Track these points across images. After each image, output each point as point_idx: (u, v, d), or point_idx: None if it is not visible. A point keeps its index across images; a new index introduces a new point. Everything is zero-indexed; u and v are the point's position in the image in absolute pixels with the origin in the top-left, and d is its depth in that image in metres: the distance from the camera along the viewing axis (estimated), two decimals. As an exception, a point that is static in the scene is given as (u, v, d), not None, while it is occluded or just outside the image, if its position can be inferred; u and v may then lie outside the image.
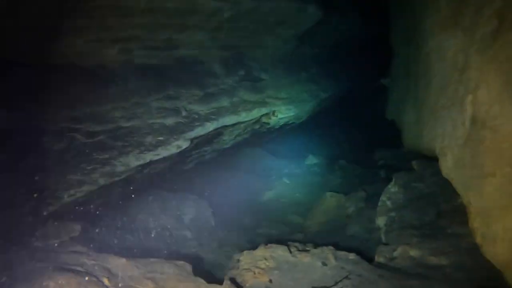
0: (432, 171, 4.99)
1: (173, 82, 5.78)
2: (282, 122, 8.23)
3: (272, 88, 7.76)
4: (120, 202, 5.15)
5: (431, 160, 5.31)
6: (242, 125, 7.23)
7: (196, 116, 5.85)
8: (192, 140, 5.60)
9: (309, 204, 7.53)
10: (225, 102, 6.56)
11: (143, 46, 5.22)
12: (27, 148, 3.73)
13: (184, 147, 5.31)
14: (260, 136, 9.27)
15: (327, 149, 10.13)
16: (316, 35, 8.38)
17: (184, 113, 5.67)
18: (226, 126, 6.56)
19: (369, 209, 6.18)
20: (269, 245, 4.05)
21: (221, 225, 6.70)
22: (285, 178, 8.88)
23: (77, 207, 4.05)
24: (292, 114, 7.86)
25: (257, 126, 8.12)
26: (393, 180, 5.29)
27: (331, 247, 4.10)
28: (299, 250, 4.06)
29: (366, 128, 8.91)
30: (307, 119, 9.26)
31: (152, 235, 5.21)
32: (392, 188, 5.19)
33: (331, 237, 5.94)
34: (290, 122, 8.64)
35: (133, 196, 5.43)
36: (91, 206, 4.43)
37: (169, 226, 5.62)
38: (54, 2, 3.64)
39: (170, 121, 5.40)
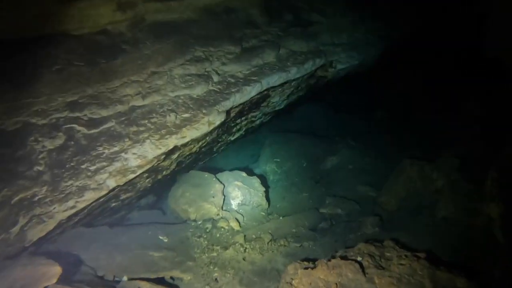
0: None
1: (200, 40, 4.59)
2: (343, 73, 6.71)
3: (328, 32, 6.21)
4: (147, 196, 4.29)
5: None
6: (293, 83, 5.91)
7: (233, 80, 4.67)
8: (228, 111, 4.48)
9: (382, 171, 6.17)
10: (269, 57, 5.25)
11: (154, -3, 4.04)
12: (8, 155, 2.89)
13: (217, 122, 4.21)
14: (319, 90, 7.85)
15: (401, 100, 8.39)
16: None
17: (216, 78, 4.52)
18: (273, 87, 5.30)
19: (467, 182, 4.70)
20: (332, 261, 2.91)
21: (276, 206, 5.69)
22: (350, 139, 7.50)
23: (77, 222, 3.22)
24: (355, 62, 6.29)
25: (312, 81, 6.73)
26: (509, 146, 3.74)
27: (424, 262, 2.84)
28: (377, 267, 2.87)
29: (455, 71, 6.99)
30: (375, 65, 7.57)
31: (190, 232, 4.34)
32: (508, 158, 3.66)
33: (416, 221, 4.63)
34: (354, 71, 7.07)
35: (164, 184, 4.55)
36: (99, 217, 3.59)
37: (211, 217, 4.71)
38: None
39: (198, 91, 4.29)
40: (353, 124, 8.27)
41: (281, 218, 5.09)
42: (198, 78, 4.35)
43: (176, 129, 3.84)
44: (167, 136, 3.75)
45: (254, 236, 4.46)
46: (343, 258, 2.98)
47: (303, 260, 3.36)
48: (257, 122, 7.02)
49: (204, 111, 4.12)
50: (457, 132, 6.48)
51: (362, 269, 2.84)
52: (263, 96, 5.57)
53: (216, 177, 5.14)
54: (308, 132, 8.18)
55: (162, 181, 4.93)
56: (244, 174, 5.59)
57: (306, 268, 2.89)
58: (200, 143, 4.80)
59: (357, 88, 8.76)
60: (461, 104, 6.48)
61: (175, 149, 3.93)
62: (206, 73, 4.48)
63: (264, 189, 5.53)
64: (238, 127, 6.19)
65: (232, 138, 6.70)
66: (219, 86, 4.48)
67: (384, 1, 6.88)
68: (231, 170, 5.69)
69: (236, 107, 4.67)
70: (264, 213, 5.27)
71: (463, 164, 5.05)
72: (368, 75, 8.07)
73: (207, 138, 4.86)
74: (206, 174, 5.12)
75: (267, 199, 5.53)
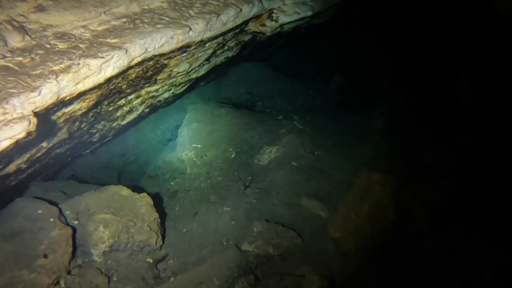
0: None
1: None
2: (289, 28, 4.53)
3: (268, -40, 3.91)
4: None
5: None
6: (207, 44, 3.68)
7: (61, 46, 2.38)
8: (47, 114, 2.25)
9: (339, 174, 4.35)
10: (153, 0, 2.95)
11: None
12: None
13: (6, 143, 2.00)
14: (260, 46, 5.67)
15: (365, 63, 6.38)
16: None
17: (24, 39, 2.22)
18: (162, 54, 3.07)
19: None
20: None
21: (176, 240, 3.71)
22: (297, 118, 5.51)
23: None
24: (308, 13, 4.11)
25: (246, 38, 4.52)
26: None
27: None
28: None
29: (438, 30, 5.07)
30: (334, 15, 5.43)
31: None
32: None
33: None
34: (305, 25, 4.90)
35: None
36: None
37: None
38: None
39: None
40: (304, 95, 6.24)
41: (172, 279, 3.13)
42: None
43: None
44: None
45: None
46: None
47: None
48: (165, 95, 4.81)
49: None
50: (443, 120, 4.70)
51: None
52: (152, 67, 3.33)
53: (58, 211, 2.98)
54: (244, 104, 6.09)
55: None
56: (124, 192, 3.47)
57: None
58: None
59: (312, 43, 6.64)
60: (450, 82, 4.62)
61: None
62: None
63: (156, 216, 3.48)
64: (119, 112, 3.96)
65: (123, 123, 4.48)
66: (20, 58, 2.19)
67: None
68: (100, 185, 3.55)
69: (62, 103, 2.43)
70: (151, 260, 3.30)
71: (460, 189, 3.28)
72: (327, 25, 5.91)
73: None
74: (39, 210, 2.92)
75: (162, 230, 3.53)
